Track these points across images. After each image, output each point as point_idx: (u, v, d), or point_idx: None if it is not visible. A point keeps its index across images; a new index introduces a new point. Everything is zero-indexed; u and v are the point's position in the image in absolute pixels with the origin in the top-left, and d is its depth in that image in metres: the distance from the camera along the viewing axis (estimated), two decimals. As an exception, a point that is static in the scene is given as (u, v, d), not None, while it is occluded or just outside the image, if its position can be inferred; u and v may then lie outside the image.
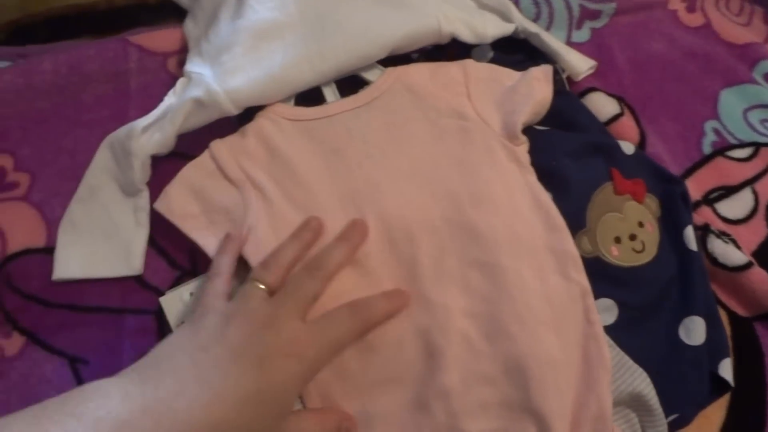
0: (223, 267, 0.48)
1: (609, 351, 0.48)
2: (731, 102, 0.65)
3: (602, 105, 0.62)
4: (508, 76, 0.58)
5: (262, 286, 0.45)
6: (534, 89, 0.56)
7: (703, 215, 0.59)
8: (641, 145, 0.61)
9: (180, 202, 0.53)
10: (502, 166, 0.54)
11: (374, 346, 0.49)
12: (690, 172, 0.61)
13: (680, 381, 0.50)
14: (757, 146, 0.63)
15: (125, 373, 0.39)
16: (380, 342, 0.49)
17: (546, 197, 0.52)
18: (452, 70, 0.58)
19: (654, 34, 0.69)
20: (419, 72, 0.58)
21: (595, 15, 0.68)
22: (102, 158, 0.56)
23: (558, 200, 0.53)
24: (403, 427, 0.46)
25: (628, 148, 0.57)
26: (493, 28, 0.59)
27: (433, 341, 0.48)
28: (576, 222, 0.53)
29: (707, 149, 0.63)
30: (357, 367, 0.48)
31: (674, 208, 0.55)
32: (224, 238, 0.51)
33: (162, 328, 0.53)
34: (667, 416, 0.49)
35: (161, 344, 0.42)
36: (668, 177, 0.57)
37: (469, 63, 0.58)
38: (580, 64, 0.62)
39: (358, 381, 0.49)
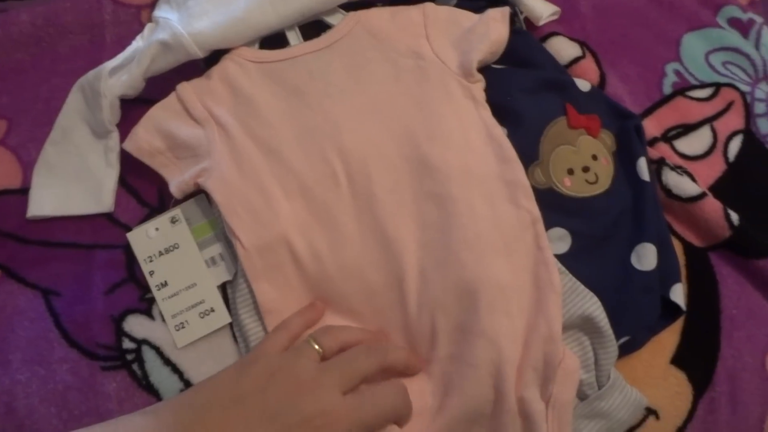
0: (293, 326, 0.48)
1: (559, 276, 0.50)
2: (693, 45, 0.66)
3: (564, 48, 0.63)
4: (467, 18, 0.59)
5: (317, 347, 0.45)
6: (490, 29, 0.57)
7: (662, 151, 0.60)
8: (601, 86, 0.62)
9: (147, 140, 0.55)
10: (458, 103, 0.55)
11: (335, 280, 0.51)
12: (650, 111, 0.63)
13: (631, 305, 0.52)
14: (717, 86, 0.64)
15: (161, 411, 0.42)
16: (342, 277, 0.50)
17: (499, 131, 0.54)
18: (412, 12, 0.59)
19: (618, -20, 0.70)
20: (380, 15, 0.60)
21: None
22: (73, 101, 0.58)
23: (512, 134, 0.54)
24: None
25: (583, 85, 0.58)
26: (455, -26, 0.61)
27: (391, 273, 0.50)
28: (529, 154, 0.54)
29: (668, 89, 0.64)
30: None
31: (628, 141, 0.56)
32: (307, 306, 0.51)
33: (130, 262, 0.55)
34: (618, 339, 0.51)
35: (205, 383, 0.44)
36: (624, 113, 0.58)
37: (428, 6, 0.60)
38: (542, 9, 0.63)
39: (325, 320, 0.51)
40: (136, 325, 0.53)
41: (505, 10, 0.59)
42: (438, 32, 0.58)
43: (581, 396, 0.49)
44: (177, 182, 0.54)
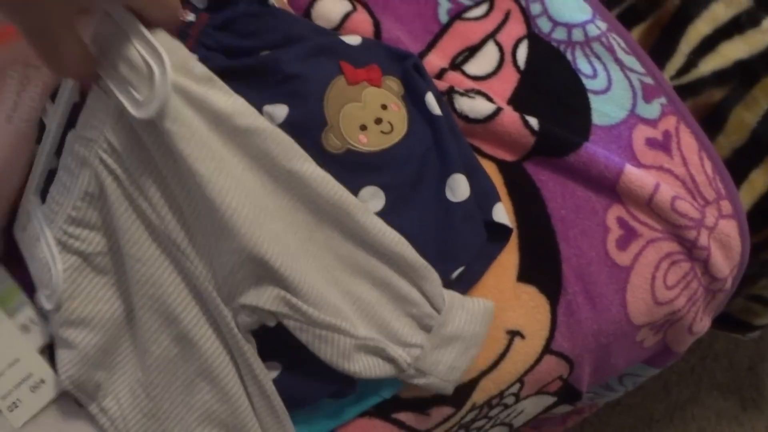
0: None
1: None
2: (458, -34, 0.66)
3: (332, 8, 0.61)
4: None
5: None
6: None
7: (453, 80, 0.59)
8: (377, 34, 0.61)
9: None
10: None
11: None
12: (433, 44, 0.62)
13: (457, 237, 0.51)
14: (491, 0, 0.64)
15: None
16: None
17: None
18: None
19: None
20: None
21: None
22: None
23: (293, 107, 0.52)
24: None
25: (353, 40, 0.57)
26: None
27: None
28: (317, 122, 0.52)
29: (444, 18, 0.63)
30: None
31: (412, 81, 0.55)
32: None
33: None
34: (453, 272, 0.50)
35: None
36: (401, 55, 0.57)
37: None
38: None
39: None
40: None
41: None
42: None
43: (426, 329, 0.49)
44: None
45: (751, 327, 0.78)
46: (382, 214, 0.51)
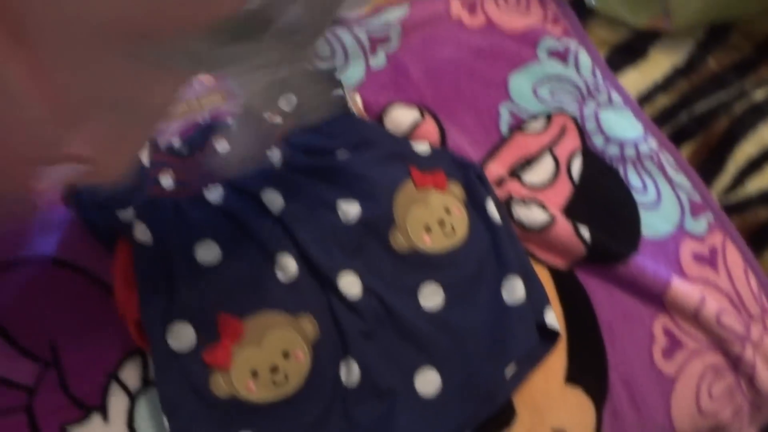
0: None
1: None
2: (520, 82, 0.72)
3: (402, 116, 0.67)
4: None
5: None
6: None
7: (512, 188, 0.64)
8: (443, 141, 0.66)
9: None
10: None
11: None
12: (492, 153, 0.67)
13: (511, 336, 0.54)
14: (549, 115, 0.69)
15: None
16: None
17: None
18: None
19: (442, 42, 0.75)
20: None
21: (384, 40, 0.74)
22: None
23: (365, 207, 0.57)
24: None
25: (422, 146, 0.62)
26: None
27: None
28: (386, 221, 0.57)
29: (505, 129, 0.68)
30: None
31: (474, 189, 0.60)
32: None
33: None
34: (505, 369, 0.53)
35: None
36: (464, 163, 0.62)
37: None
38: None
39: None
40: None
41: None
42: None
43: None
44: None
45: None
46: (441, 310, 0.55)
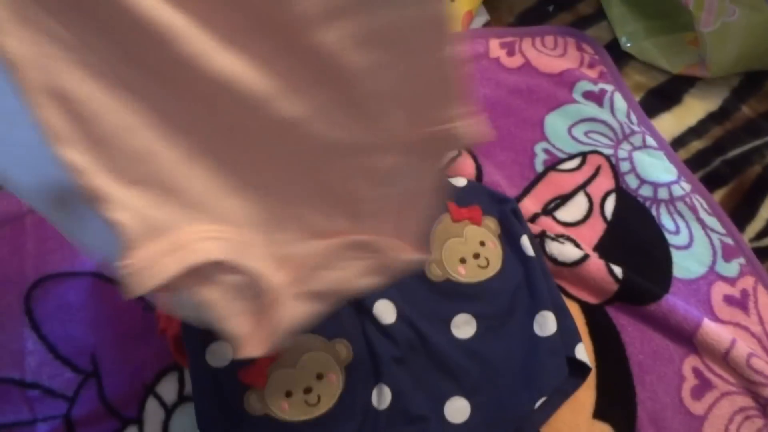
0: None
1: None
2: (556, 123, 0.73)
3: (440, 150, 0.69)
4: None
5: None
6: None
7: (545, 224, 0.65)
8: (479, 177, 0.68)
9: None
10: None
11: None
12: (527, 190, 0.68)
13: (542, 369, 0.55)
14: (584, 155, 0.71)
15: None
16: None
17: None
18: None
19: (481, 82, 0.77)
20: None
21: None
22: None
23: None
24: None
25: (459, 182, 0.64)
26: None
27: None
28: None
29: (540, 167, 0.70)
30: None
31: (509, 223, 0.62)
32: None
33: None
34: (536, 402, 0.54)
35: None
36: (500, 198, 0.64)
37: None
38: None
39: None
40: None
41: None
42: None
43: None
44: None
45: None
46: (472, 340, 0.56)
